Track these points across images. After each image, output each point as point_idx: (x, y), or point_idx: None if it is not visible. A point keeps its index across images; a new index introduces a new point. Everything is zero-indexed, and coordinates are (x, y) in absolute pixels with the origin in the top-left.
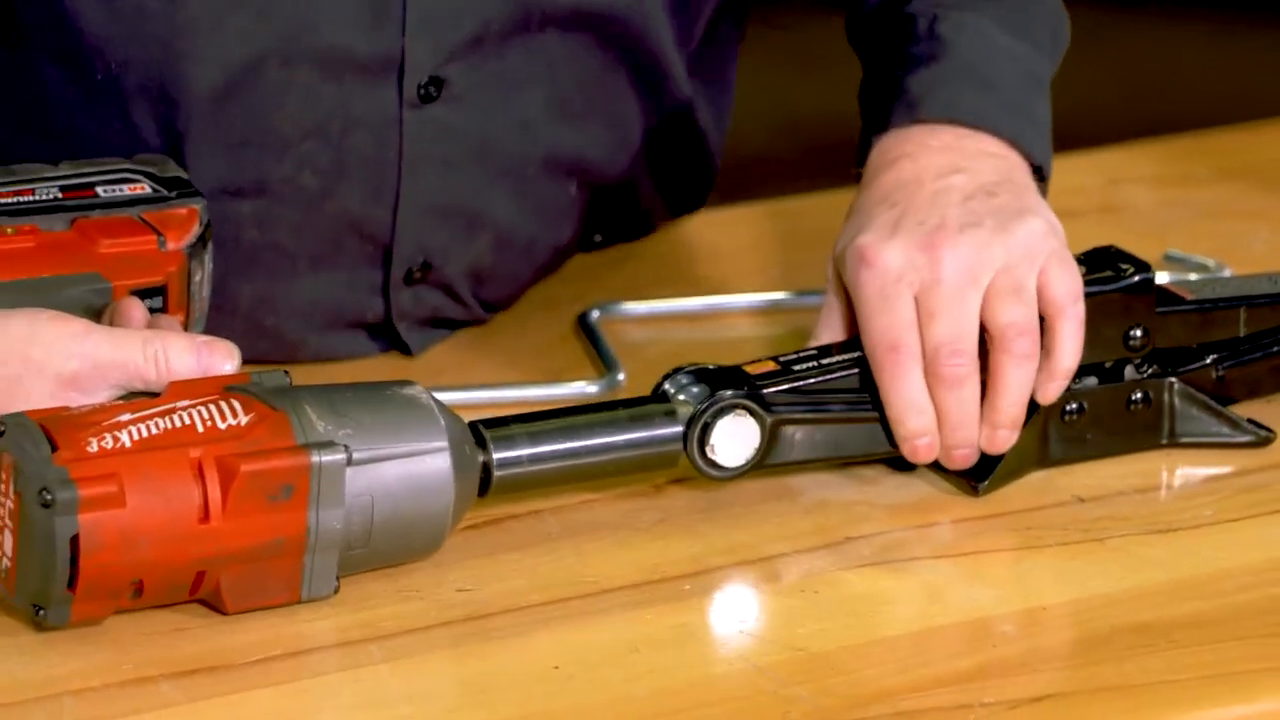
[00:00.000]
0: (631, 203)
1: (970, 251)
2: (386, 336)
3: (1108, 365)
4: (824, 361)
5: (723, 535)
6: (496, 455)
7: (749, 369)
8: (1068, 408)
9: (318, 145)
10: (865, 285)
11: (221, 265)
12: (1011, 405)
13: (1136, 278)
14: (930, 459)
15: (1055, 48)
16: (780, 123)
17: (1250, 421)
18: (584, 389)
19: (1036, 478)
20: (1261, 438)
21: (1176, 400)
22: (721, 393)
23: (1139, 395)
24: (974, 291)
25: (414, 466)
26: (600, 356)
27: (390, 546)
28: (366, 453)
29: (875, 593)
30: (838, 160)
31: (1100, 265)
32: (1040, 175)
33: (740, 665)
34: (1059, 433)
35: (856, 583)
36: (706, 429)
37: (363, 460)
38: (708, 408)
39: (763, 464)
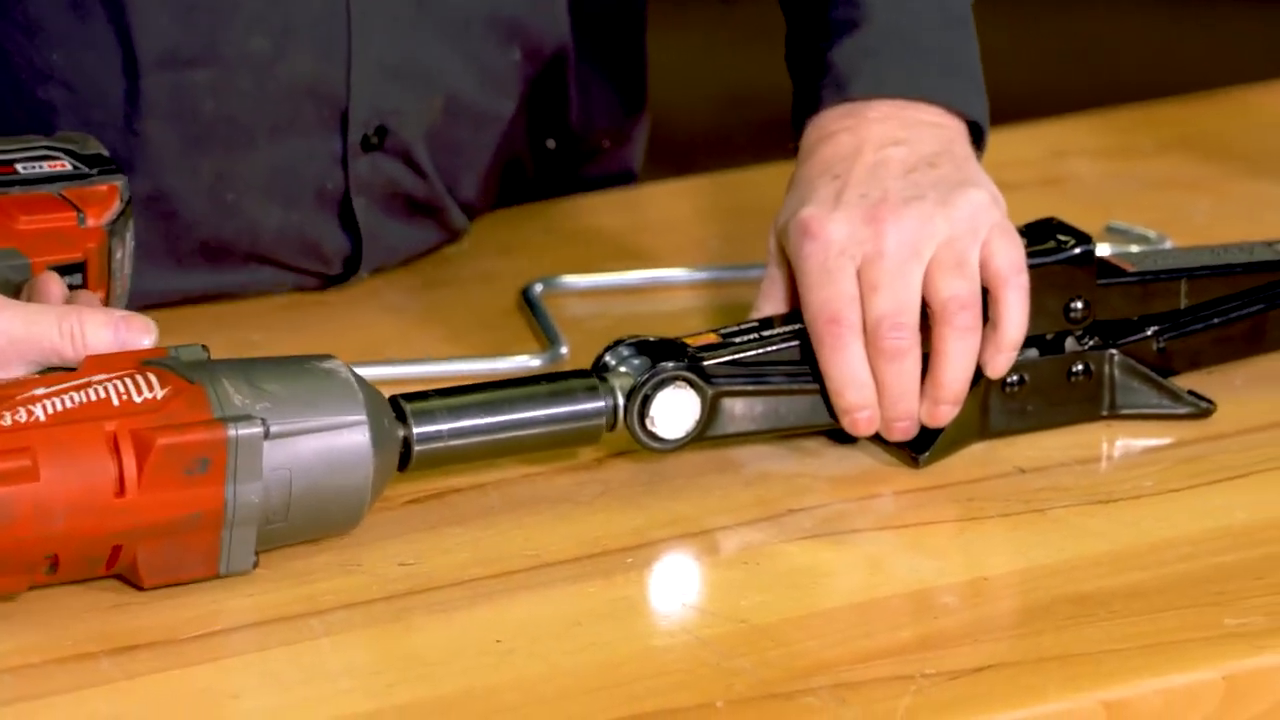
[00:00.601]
0: (569, 101)
1: (914, 224)
2: (345, 221)
3: (1049, 337)
4: (764, 334)
5: (664, 508)
6: (416, 430)
7: (690, 341)
8: (1009, 380)
9: (265, 5)
10: (808, 258)
11: (181, 142)
12: (954, 380)
13: (1077, 250)
14: (870, 432)
15: None
16: (726, 96)
17: (1191, 393)
18: (527, 363)
19: (978, 449)
20: (1202, 409)
21: (1117, 372)
22: (662, 364)
23: (1080, 367)
24: (916, 265)
25: (332, 440)
26: (543, 330)
27: (309, 520)
28: (284, 426)
29: (817, 565)
30: (784, 134)
31: (1041, 237)
32: (978, 130)
33: (682, 638)
34: (1000, 404)
35: (798, 555)
36: (647, 401)
37: (280, 434)
38: (648, 379)
39: (703, 436)
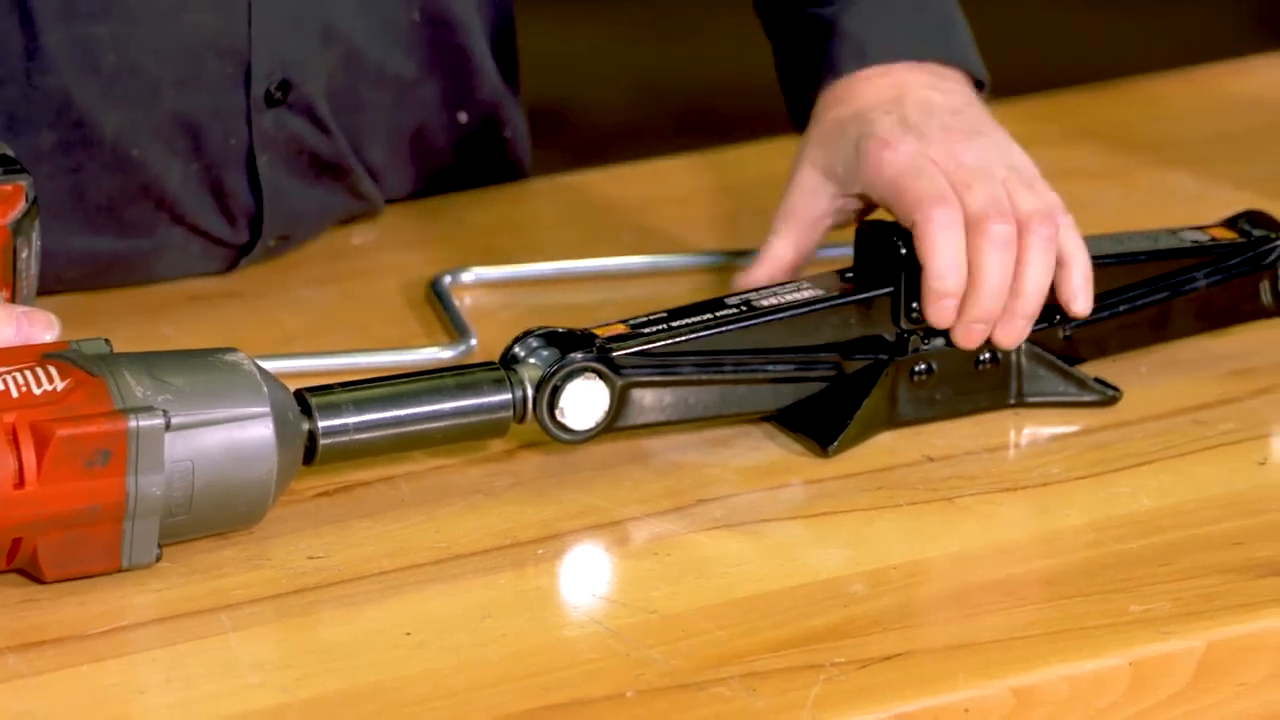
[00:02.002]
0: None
1: (982, 150)
2: (251, 179)
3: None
4: (674, 324)
5: (575, 499)
6: (322, 423)
7: (599, 332)
8: (916, 368)
9: None
10: (891, 163)
11: (83, 96)
12: (1034, 290)
13: None
14: (949, 324)
15: None
16: (639, 88)
17: (1098, 380)
18: (436, 355)
19: (886, 438)
20: (1109, 397)
21: (1024, 360)
22: (571, 355)
23: (987, 355)
24: (998, 176)
25: (235, 432)
26: (452, 322)
27: (213, 513)
28: (186, 418)
29: (727, 555)
30: (696, 125)
31: None
32: (979, 86)
33: (593, 629)
34: (908, 393)
35: (708, 545)
36: (556, 392)
37: (182, 425)
38: (556, 371)
39: (613, 427)
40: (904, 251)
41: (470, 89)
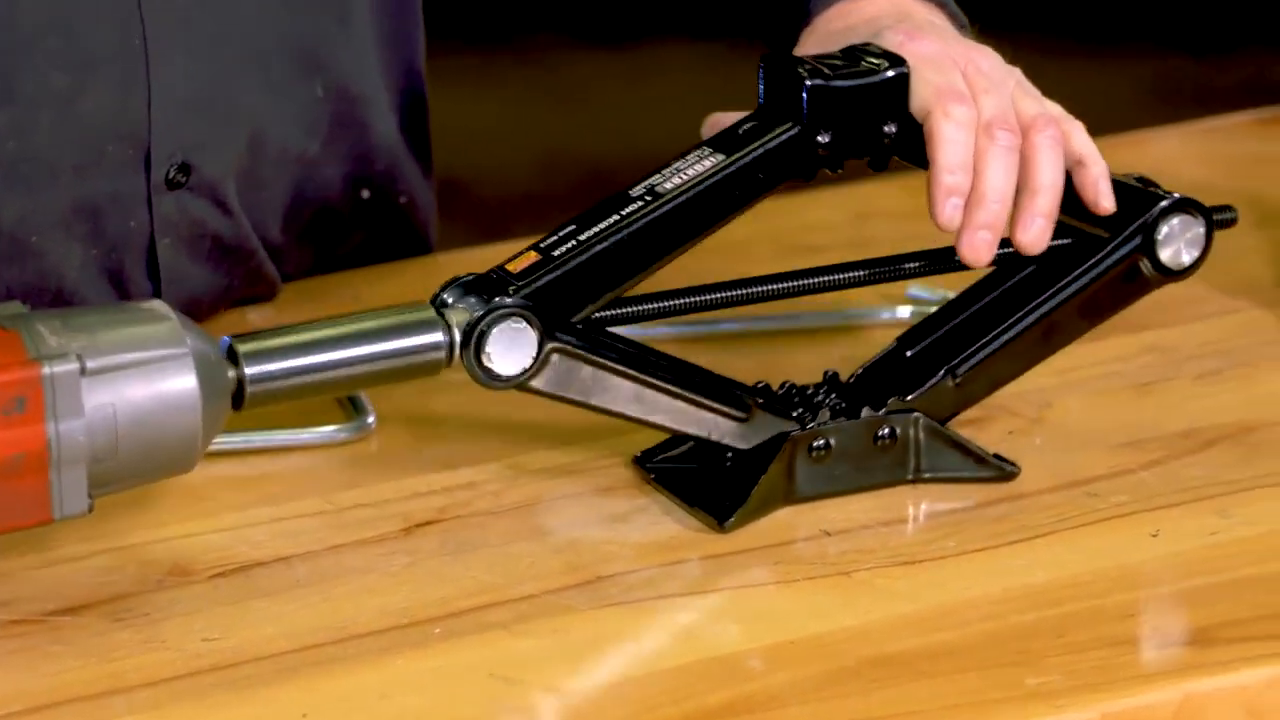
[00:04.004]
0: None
1: (994, 61)
2: (151, 263)
3: (846, 405)
4: (582, 238)
5: (473, 577)
6: (249, 369)
7: (511, 267)
8: (815, 444)
9: (61, 40)
10: (915, 53)
11: None
12: (1049, 186)
13: (891, 72)
14: (956, 225)
15: None
16: (542, 159)
17: (996, 456)
18: (334, 434)
19: (783, 513)
20: (1006, 473)
21: (922, 435)
22: (499, 300)
23: (885, 431)
24: (1008, 86)
25: (155, 373)
26: (350, 400)
27: (141, 459)
28: (102, 361)
29: (625, 631)
30: (599, 195)
31: (853, 60)
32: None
33: (490, 709)
34: (806, 469)
35: (606, 622)
36: (483, 337)
37: (99, 370)
38: (484, 315)
39: (526, 386)
40: (809, 82)
41: (374, 165)
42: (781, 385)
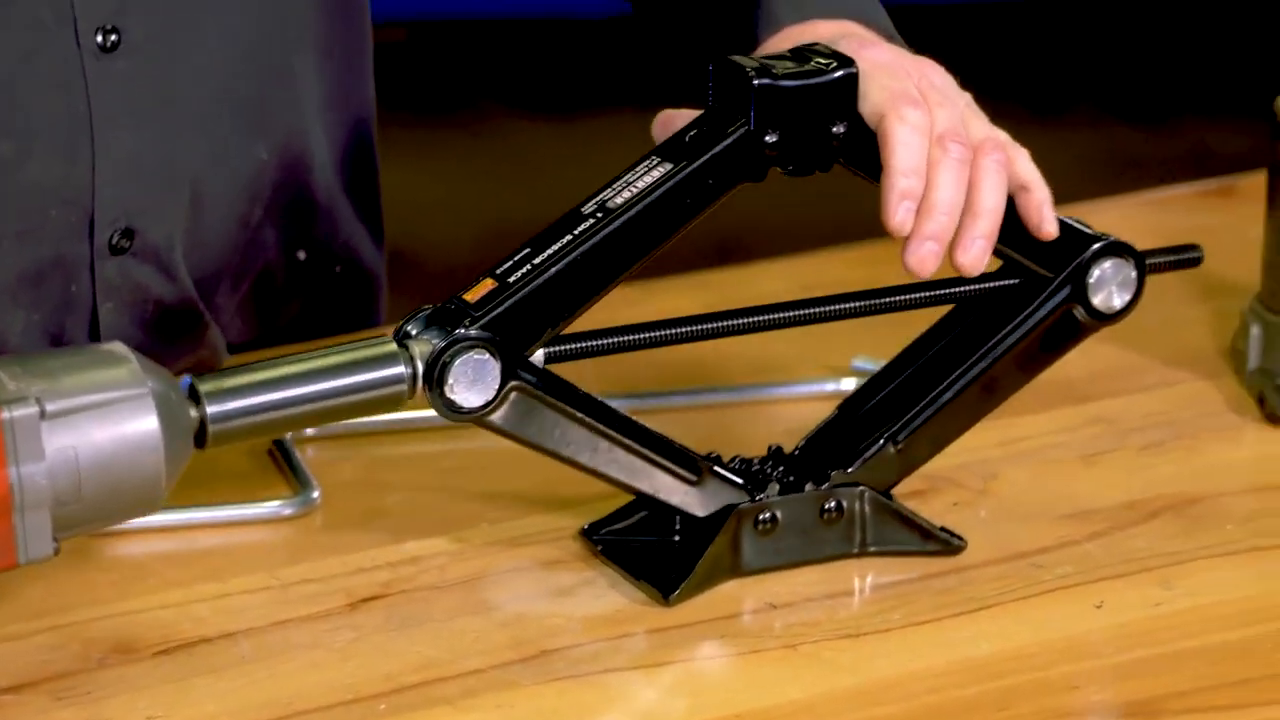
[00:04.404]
0: (317, 209)
1: (946, 79)
2: (94, 329)
3: (793, 479)
4: (537, 261)
5: (418, 652)
6: (211, 409)
7: (469, 296)
8: (760, 517)
9: (5, 108)
10: (870, 59)
11: None
12: (991, 209)
13: (839, 72)
14: (907, 230)
15: None
16: (489, 231)
17: (942, 529)
18: (279, 509)
19: (729, 586)
20: (953, 546)
21: (868, 509)
22: (459, 332)
23: (831, 505)
24: (959, 106)
25: (116, 415)
26: (295, 475)
27: (105, 500)
28: (62, 404)
29: (570, 706)
30: None
31: (802, 59)
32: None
33: None
34: (752, 542)
35: (552, 696)
36: (445, 370)
37: (59, 412)
38: (446, 347)
39: (486, 421)
40: (757, 81)
41: (320, 231)
42: (731, 459)
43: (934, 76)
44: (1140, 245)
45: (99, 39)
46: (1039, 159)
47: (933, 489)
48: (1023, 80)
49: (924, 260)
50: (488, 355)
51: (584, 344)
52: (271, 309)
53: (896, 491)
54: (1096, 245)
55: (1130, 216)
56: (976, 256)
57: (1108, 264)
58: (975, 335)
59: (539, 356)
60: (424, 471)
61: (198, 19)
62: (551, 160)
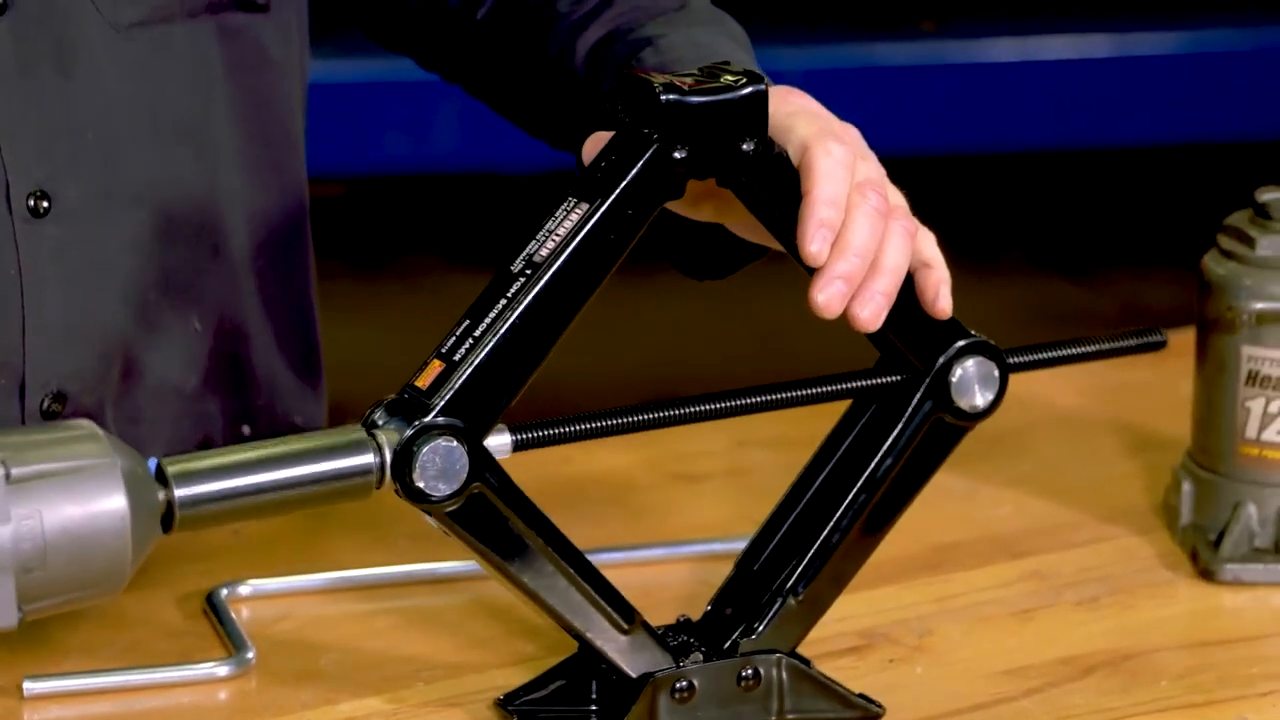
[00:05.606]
0: (255, 382)
1: (866, 146)
2: None
3: (705, 649)
4: (477, 335)
5: None
6: (179, 492)
7: (419, 382)
8: (678, 685)
9: None
10: (793, 102)
11: None
12: (894, 269)
13: (749, 89)
14: (822, 260)
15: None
16: None
17: (861, 696)
18: (213, 670)
19: None
20: (871, 713)
21: (786, 676)
22: (423, 420)
23: (749, 672)
24: (880, 169)
25: (83, 483)
26: (229, 635)
27: (71, 571)
28: (26, 470)
29: None
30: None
31: (713, 77)
32: None
33: None
34: (670, 712)
35: None
36: (411, 458)
37: (25, 477)
38: (414, 436)
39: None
40: (665, 98)
41: (256, 400)
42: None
43: (849, 133)
44: (1069, 402)
45: (30, 203)
46: (969, 309)
47: (868, 645)
48: (955, 230)
49: (831, 300)
50: (455, 443)
51: (550, 431)
52: None
53: (830, 647)
54: (962, 341)
55: (1060, 371)
56: (874, 312)
57: (970, 362)
58: (851, 465)
59: (507, 443)
60: (358, 631)
61: (128, 186)
62: None
